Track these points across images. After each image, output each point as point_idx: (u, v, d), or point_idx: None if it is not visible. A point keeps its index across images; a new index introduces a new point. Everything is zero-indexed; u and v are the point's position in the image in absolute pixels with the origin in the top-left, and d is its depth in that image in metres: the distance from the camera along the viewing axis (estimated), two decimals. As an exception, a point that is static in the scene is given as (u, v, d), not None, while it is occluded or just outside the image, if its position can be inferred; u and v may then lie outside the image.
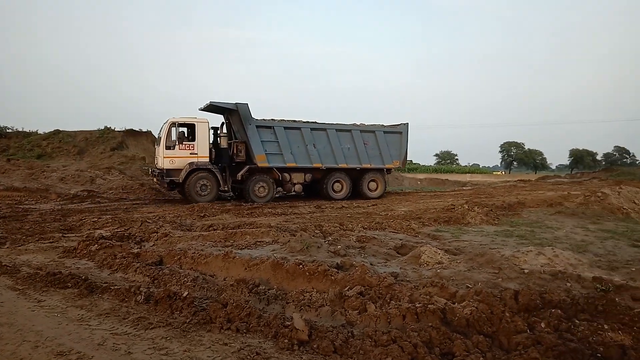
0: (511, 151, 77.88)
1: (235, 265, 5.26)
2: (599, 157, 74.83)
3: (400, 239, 7.96)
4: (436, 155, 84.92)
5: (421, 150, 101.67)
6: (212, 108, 15.70)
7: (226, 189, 15.35)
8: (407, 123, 17.75)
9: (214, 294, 4.48)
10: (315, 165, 16.04)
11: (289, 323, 3.56)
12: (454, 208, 11.39)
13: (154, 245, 7.14)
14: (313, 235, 7.42)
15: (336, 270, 4.83)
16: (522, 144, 76.75)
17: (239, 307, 3.84)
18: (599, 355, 2.99)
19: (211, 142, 15.49)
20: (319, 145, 16.05)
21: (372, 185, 17.42)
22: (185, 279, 4.80)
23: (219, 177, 14.67)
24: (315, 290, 4.48)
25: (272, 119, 15.70)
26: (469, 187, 24.54)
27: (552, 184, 25.24)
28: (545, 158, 78.47)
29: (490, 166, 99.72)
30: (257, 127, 15.17)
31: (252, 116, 15.13)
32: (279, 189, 16.48)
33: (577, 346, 2.95)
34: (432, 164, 73.34)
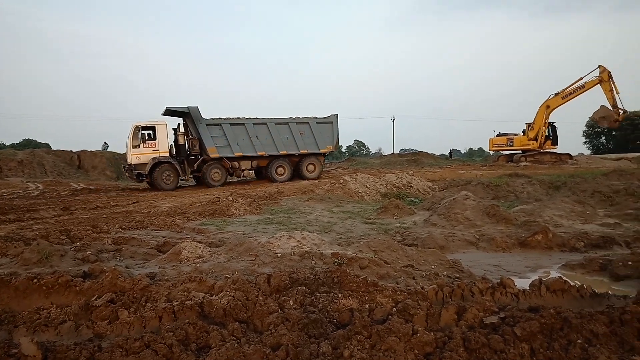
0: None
1: (-63, 291, 4.10)
2: (343, 149, 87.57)
3: (163, 237, 7.65)
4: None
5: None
6: (169, 112, 18.75)
7: (186, 178, 19.02)
8: (337, 114, 21.24)
9: None
10: (259, 153, 19.33)
11: (16, 350, 2.97)
12: (219, 200, 11.58)
13: None
14: (57, 243, 6.42)
15: (82, 279, 4.27)
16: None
17: (-60, 345, 3.00)
18: (335, 320, 3.46)
19: (172, 140, 18.81)
20: (261, 137, 19.28)
21: (310, 167, 20.79)
22: None
23: (178, 168, 17.94)
24: (55, 305, 3.86)
25: (219, 118, 18.89)
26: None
27: (307, 173, 28.26)
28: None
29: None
30: (207, 125, 18.43)
31: (202, 116, 18.39)
32: (231, 175, 19.84)
33: (317, 317, 3.34)
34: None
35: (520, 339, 3.01)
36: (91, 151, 35.60)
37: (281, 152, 19.76)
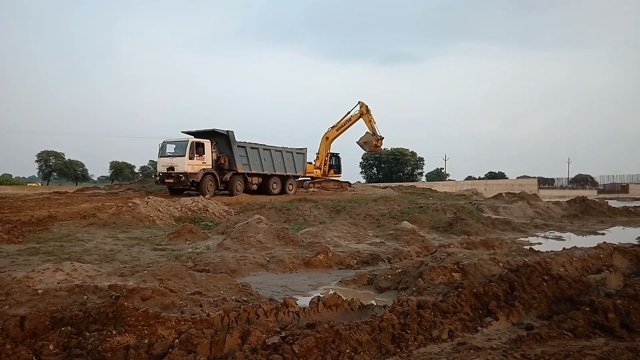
0: (50, 161, 72.52)
1: None
2: (137, 170, 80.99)
3: None
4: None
5: None
6: (210, 132, 22.71)
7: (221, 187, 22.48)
8: (306, 147, 28.00)
9: None
10: (265, 172, 24.32)
11: None
12: (-37, 227, 9.29)
13: None
14: None
15: None
16: (62, 154, 72.88)
17: None
18: (107, 361, 3.07)
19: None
20: (267, 159, 24.48)
21: (290, 186, 26.25)
22: None
23: (218, 179, 21.94)
24: None
25: (244, 142, 23.39)
26: (-7, 201, 20.82)
27: (90, 195, 25.15)
28: (87, 169, 77.09)
29: (27, 177, 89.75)
30: (237, 146, 22.85)
31: (235, 139, 22.75)
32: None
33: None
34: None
35: (298, 356, 3.17)
36: None
37: (277, 173, 25.23)
